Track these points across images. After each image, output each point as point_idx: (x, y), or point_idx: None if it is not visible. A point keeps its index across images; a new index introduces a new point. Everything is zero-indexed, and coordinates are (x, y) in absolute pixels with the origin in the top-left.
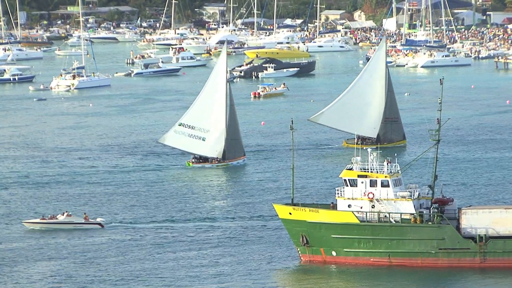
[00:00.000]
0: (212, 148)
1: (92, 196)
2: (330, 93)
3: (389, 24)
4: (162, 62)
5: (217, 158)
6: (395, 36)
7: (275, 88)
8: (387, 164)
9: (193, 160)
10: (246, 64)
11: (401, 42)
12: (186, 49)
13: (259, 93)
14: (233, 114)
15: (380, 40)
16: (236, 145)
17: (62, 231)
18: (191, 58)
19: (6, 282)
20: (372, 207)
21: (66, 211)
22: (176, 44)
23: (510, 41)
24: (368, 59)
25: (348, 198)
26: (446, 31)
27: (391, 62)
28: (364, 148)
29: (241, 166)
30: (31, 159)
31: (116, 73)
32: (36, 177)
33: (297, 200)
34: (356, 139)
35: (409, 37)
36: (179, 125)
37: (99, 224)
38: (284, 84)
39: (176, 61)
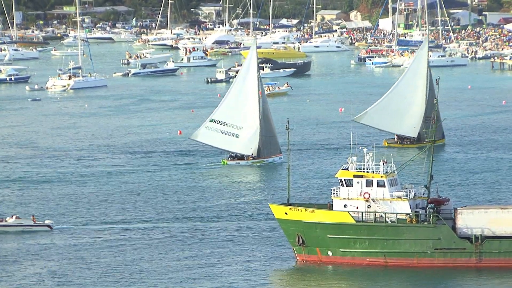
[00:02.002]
0: (246, 146)
1: (90, 196)
2: (326, 93)
3: (385, 24)
4: (172, 61)
5: (252, 154)
6: (390, 36)
7: (279, 88)
8: (383, 164)
9: (228, 159)
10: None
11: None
12: (197, 49)
13: None
14: (266, 110)
15: (375, 39)
16: (272, 142)
17: (10, 234)
18: (202, 58)
19: None
20: (368, 207)
21: (15, 214)
22: (200, 44)
23: (506, 42)
24: (360, 59)
25: (344, 198)
26: (442, 31)
27: (387, 62)
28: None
29: (275, 164)
30: (21, 159)
31: (115, 73)
32: (33, 178)
33: (297, 200)
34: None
35: (405, 37)
36: (211, 121)
37: (48, 226)
38: (287, 83)
39: (187, 61)
